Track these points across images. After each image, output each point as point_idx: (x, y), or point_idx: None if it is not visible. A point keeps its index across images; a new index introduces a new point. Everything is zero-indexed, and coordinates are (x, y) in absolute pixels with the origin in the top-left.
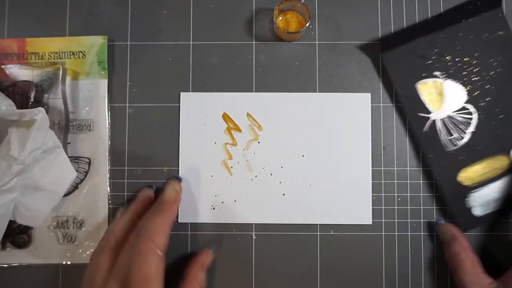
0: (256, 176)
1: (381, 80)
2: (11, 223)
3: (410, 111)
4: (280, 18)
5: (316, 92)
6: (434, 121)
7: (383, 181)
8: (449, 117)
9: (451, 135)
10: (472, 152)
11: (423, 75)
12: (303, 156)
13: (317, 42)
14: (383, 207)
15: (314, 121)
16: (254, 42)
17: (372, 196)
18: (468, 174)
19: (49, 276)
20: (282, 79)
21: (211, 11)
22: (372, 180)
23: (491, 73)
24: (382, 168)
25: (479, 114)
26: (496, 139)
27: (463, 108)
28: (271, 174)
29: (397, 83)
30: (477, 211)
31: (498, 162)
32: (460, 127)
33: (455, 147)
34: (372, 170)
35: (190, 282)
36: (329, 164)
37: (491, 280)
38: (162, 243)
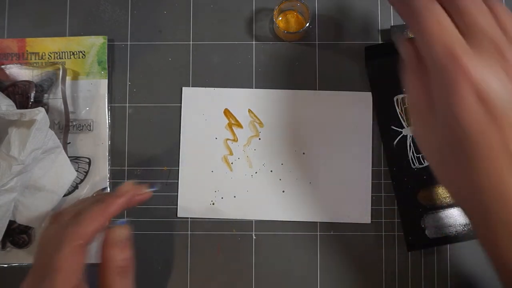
0: (256, 173)
1: None
2: (11, 223)
3: (384, 123)
4: (280, 18)
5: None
6: (405, 136)
7: (383, 181)
8: None
9: (420, 153)
10: None
11: (403, 90)
12: (303, 153)
13: (317, 42)
14: (383, 207)
15: (315, 119)
16: (254, 42)
17: (372, 196)
18: (429, 195)
19: None
20: (282, 79)
21: (211, 11)
22: (372, 180)
23: None
24: (382, 168)
25: None
26: None
27: None
28: (271, 171)
29: (376, 93)
30: (430, 233)
31: None
32: None
33: (421, 166)
34: (372, 170)
35: (107, 267)
36: (329, 163)
37: None
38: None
